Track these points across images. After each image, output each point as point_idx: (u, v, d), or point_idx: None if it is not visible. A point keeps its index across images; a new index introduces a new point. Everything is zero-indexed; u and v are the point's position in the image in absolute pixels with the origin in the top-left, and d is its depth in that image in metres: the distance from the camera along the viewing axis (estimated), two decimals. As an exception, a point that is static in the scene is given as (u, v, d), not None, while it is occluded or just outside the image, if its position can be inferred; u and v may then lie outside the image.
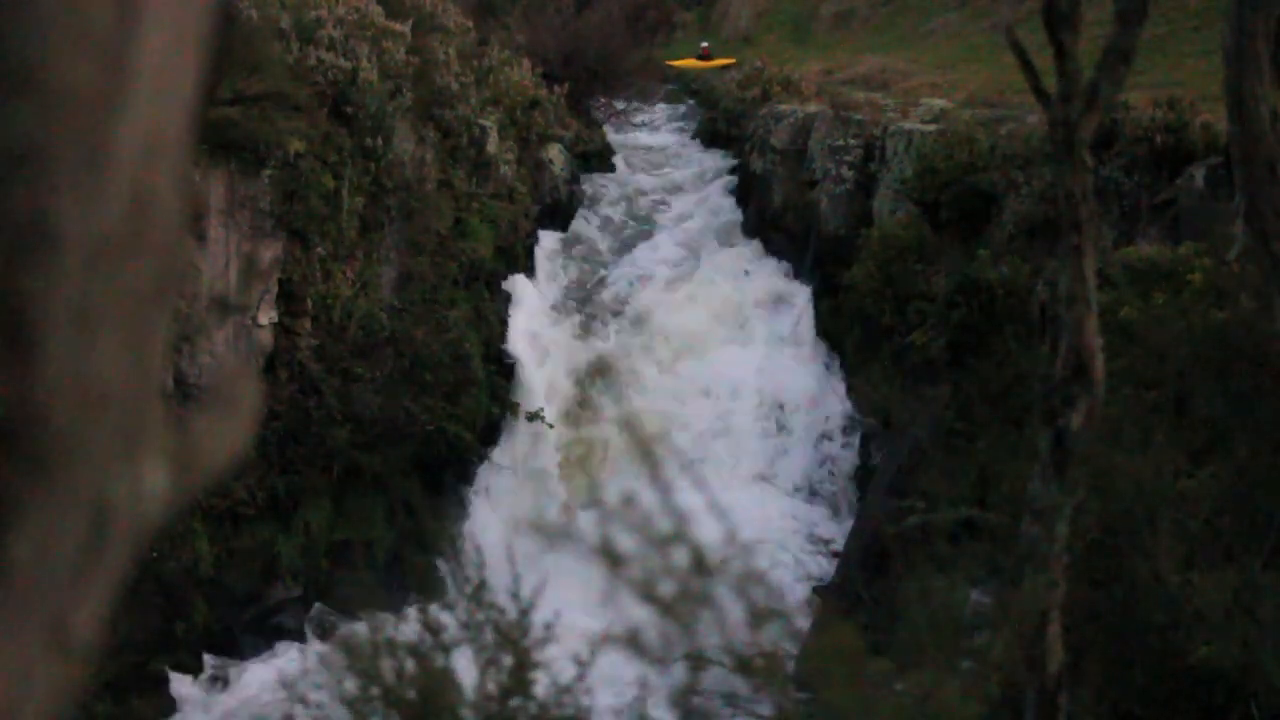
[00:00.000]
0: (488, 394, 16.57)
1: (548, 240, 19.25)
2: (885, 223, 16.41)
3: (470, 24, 19.76)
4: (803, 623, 2.31)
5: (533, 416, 16.60)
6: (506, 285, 17.89)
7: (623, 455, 15.52)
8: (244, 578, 14.26)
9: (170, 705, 13.32)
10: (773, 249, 18.92)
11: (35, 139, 0.72)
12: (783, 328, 17.93)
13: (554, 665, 2.65)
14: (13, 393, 0.72)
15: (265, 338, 14.66)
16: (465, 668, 2.68)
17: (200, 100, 0.78)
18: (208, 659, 13.79)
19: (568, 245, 19.52)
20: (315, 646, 13.43)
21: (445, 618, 2.73)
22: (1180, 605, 5.59)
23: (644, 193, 21.17)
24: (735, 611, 2.12)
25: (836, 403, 16.80)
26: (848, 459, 16.37)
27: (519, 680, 2.60)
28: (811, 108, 19.96)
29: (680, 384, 17.19)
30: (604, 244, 19.70)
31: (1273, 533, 6.05)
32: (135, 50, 0.74)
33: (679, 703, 2.27)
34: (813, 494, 16.12)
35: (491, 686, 2.61)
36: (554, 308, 18.27)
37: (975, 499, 9.13)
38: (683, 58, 29.53)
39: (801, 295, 18.09)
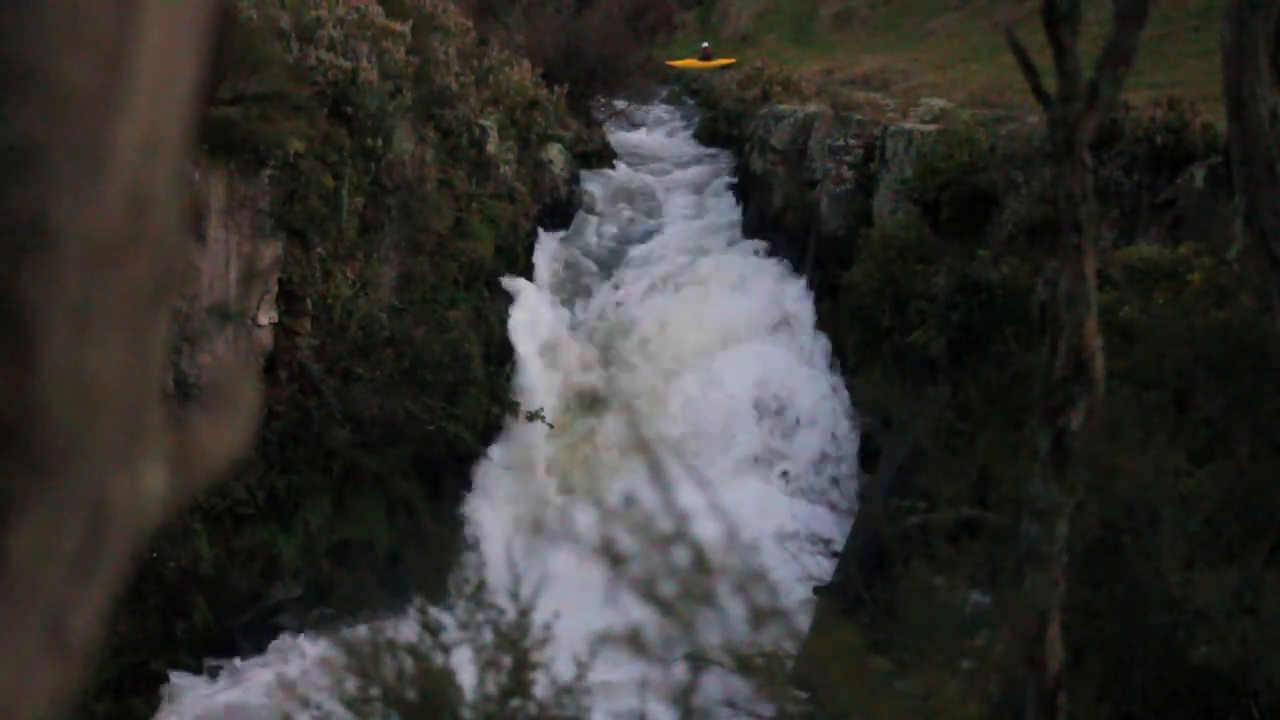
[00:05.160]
0: (488, 394, 16.57)
1: (548, 240, 19.25)
2: (885, 223, 16.41)
3: (470, 24, 19.75)
4: (803, 622, 2.31)
5: (533, 416, 16.60)
6: (506, 285, 17.89)
7: (622, 455, 15.53)
8: (244, 578, 14.26)
9: (170, 706, 13.31)
10: (773, 249, 18.92)
11: (34, 138, 0.72)
12: (782, 328, 17.92)
13: (554, 665, 2.65)
14: (11, 392, 0.72)
15: (265, 338, 14.66)
16: (465, 668, 2.68)
17: (199, 100, 0.78)
18: (207, 659, 13.79)
19: (568, 245, 19.52)
20: (315, 647, 13.43)
21: (445, 618, 2.73)
22: (1181, 605, 5.59)
23: (644, 193, 21.17)
24: (736, 611, 2.12)
25: (837, 403, 16.79)
26: (848, 459, 16.36)
27: (519, 681, 2.60)
28: (811, 108, 19.96)
29: (680, 383, 17.18)
30: (604, 244, 19.70)
31: (1273, 533, 6.05)
32: (134, 49, 0.74)
33: (679, 702, 2.27)
34: (813, 494, 16.11)
35: (491, 687, 2.61)
36: (554, 307, 18.27)
37: (975, 499, 9.13)
38: (683, 58, 29.54)
39: (801, 295, 18.08)
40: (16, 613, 0.75)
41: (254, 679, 13.48)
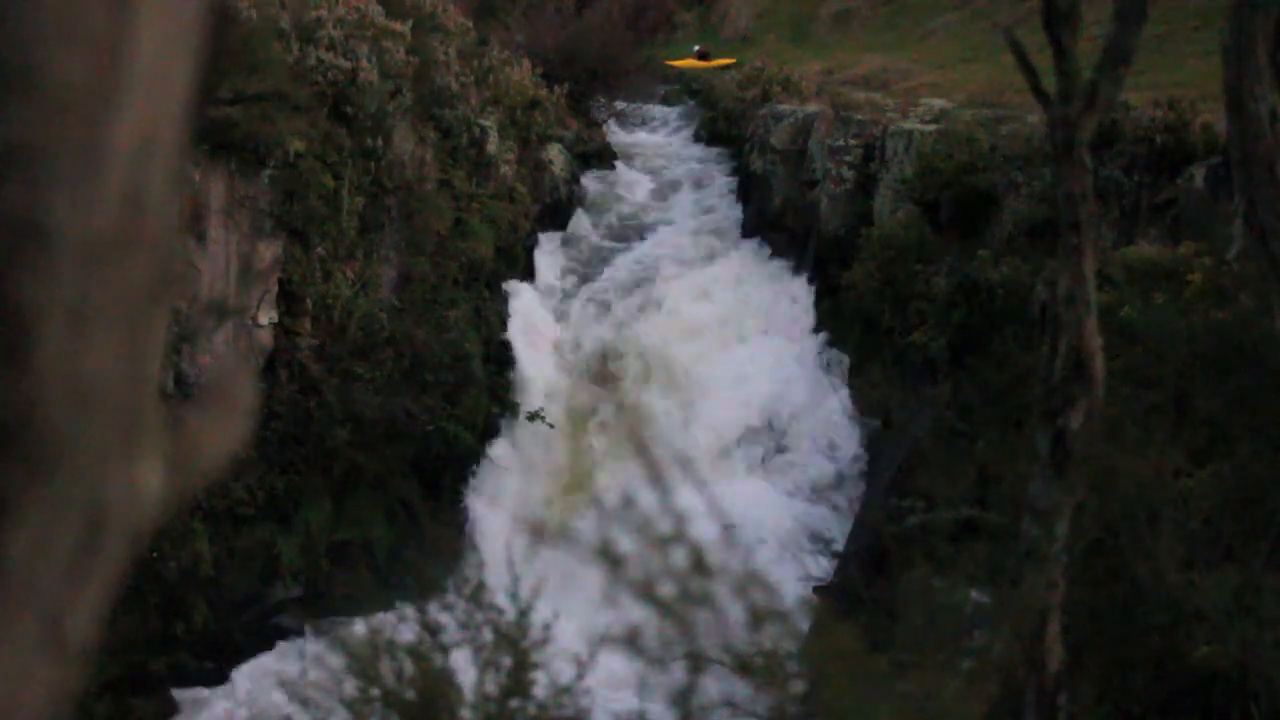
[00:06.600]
0: (488, 394, 16.57)
1: (548, 240, 19.25)
2: (885, 223, 16.41)
3: (470, 24, 19.76)
4: (803, 623, 2.31)
5: (533, 416, 16.60)
6: (506, 285, 17.89)
7: (622, 455, 15.53)
8: (244, 578, 14.25)
9: (170, 706, 13.31)
10: (773, 249, 18.92)
11: (30, 138, 0.72)
12: (783, 328, 17.93)
13: (553, 665, 2.65)
14: (8, 392, 0.72)
15: (265, 338, 14.66)
16: (464, 668, 2.68)
17: (196, 99, 0.78)
18: (207, 659, 13.78)
19: (568, 245, 19.52)
20: (315, 647, 13.42)
21: (444, 618, 2.72)
22: (1180, 605, 5.59)
23: (643, 193, 21.17)
24: (735, 611, 2.12)
25: (837, 402, 16.79)
26: (848, 459, 16.36)
27: (518, 681, 2.60)
28: (811, 108, 19.96)
29: (679, 383, 17.18)
30: (604, 244, 19.70)
31: (1273, 533, 6.05)
32: (130, 48, 0.74)
33: (678, 703, 2.27)
34: (813, 494, 16.11)
35: (491, 687, 2.61)
36: (554, 307, 18.27)
37: (975, 499, 9.13)
38: (683, 58, 29.56)
39: (801, 295, 18.08)
40: (14, 612, 0.75)
41: (254, 680, 13.48)
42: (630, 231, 20.08)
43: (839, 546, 14.79)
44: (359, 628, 2.81)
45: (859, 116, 18.24)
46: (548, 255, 19.05)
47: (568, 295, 18.60)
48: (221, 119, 13.03)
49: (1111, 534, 5.93)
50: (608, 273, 19.00)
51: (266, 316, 14.61)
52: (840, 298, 16.90)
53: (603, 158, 22.28)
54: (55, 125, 0.72)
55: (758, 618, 2.15)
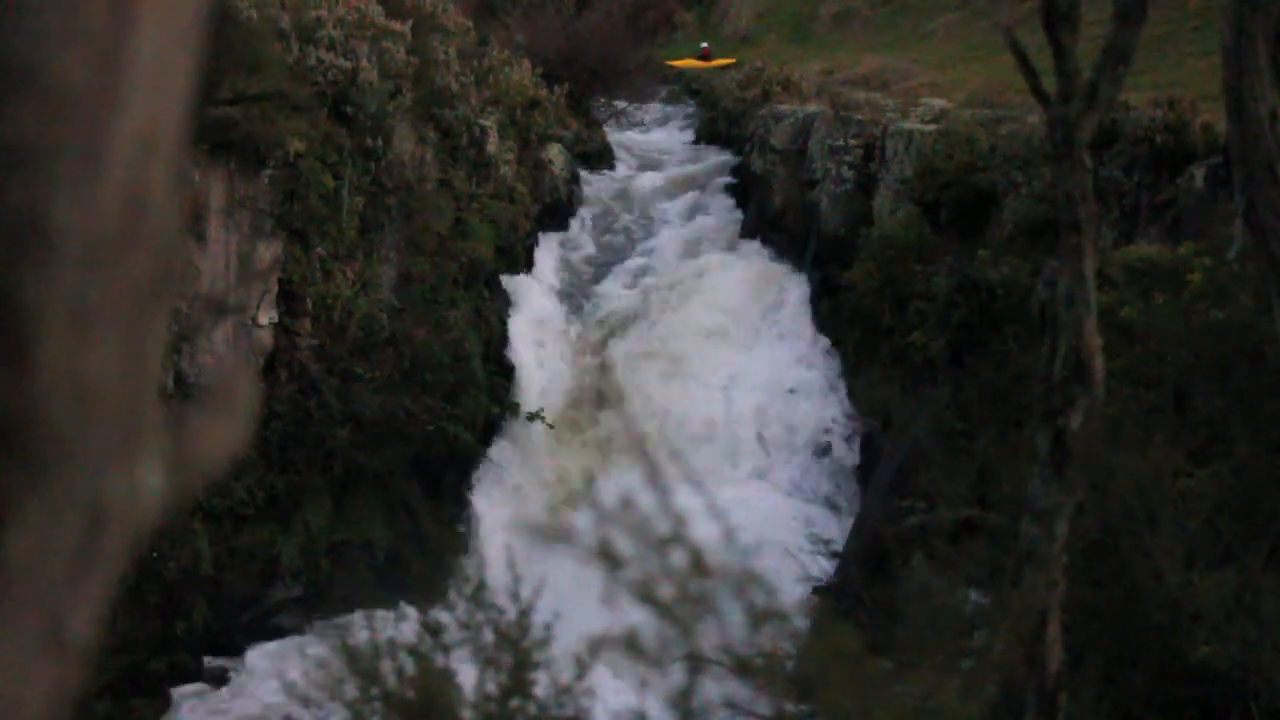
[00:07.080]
0: (488, 394, 16.57)
1: (548, 240, 19.25)
2: (885, 223, 16.41)
3: (470, 24, 19.76)
4: (802, 623, 2.31)
5: (533, 417, 16.60)
6: (506, 285, 17.89)
7: (622, 456, 15.52)
8: (244, 578, 14.24)
9: (170, 706, 13.31)
10: (773, 249, 18.92)
11: (31, 138, 0.72)
12: (782, 328, 17.92)
13: (553, 666, 2.65)
14: (9, 392, 0.72)
15: (265, 338, 14.65)
16: (465, 668, 2.68)
17: (196, 99, 0.78)
18: (207, 659, 13.78)
19: (567, 245, 19.52)
20: (315, 647, 13.40)
21: (445, 618, 2.73)
22: (1180, 605, 5.59)
23: (644, 193, 21.17)
24: (734, 613, 2.12)
25: (836, 403, 16.79)
26: (848, 459, 16.36)
27: (518, 681, 2.60)
28: (811, 108, 19.96)
29: (679, 384, 17.18)
30: (603, 244, 19.70)
31: (1273, 533, 6.05)
32: (130, 49, 0.74)
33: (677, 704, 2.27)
34: (813, 494, 16.11)
35: (491, 687, 2.61)
36: (553, 308, 18.27)
37: (975, 499, 9.13)
38: (683, 58, 29.55)
39: (801, 295, 18.08)
40: (15, 612, 0.75)
41: (254, 680, 13.48)
42: (630, 231, 20.09)
43: (839, 546, 14.77)
44: (358, 628, 2.81)
45: (859, 116, 18.24)
46: (547, 255, 19.05)
47: (567, 295, 18.61)
48: (221, 119, 13.02)
49: (1111, 534, 5.93)
50: (607, 273, 19.01)
51: (266, 316, 14.61)
52: (840, 298, 16.89)
53: (603, 158, 22.29)
54: (55, 125, 0.72)
55: (757, 618, 2.15)
